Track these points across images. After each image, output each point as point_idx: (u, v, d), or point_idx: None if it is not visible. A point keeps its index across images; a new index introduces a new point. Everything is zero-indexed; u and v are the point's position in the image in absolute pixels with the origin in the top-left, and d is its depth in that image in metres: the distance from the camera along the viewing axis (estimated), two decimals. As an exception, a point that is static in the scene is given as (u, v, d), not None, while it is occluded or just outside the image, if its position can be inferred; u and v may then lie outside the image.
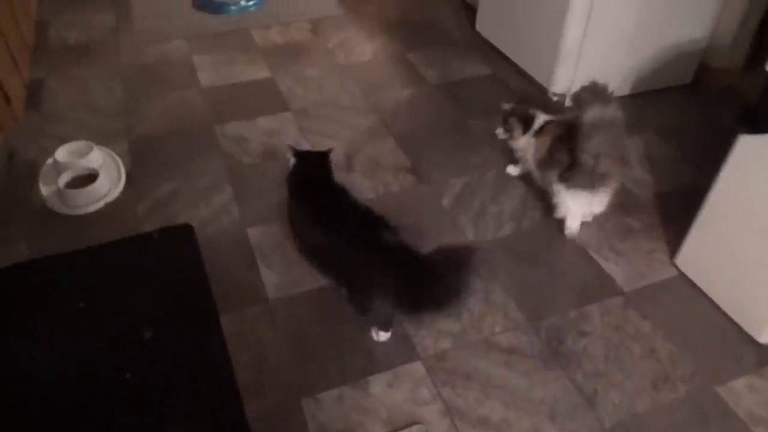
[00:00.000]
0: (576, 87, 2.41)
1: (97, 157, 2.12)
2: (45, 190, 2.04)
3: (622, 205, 2.02)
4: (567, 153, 1.78)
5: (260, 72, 2.78)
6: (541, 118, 1.95)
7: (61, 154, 2.12)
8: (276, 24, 3.20)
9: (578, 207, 1.86)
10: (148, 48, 2.95)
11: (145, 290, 1.74)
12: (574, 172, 1.76)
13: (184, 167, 2.20)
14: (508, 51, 2.79)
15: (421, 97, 2.63)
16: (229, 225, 1.96)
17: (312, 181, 1.73)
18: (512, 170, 2.18)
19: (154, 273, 1.81)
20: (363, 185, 2.12)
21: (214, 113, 2.49)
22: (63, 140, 2.21)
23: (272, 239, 1.90)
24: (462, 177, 2.16)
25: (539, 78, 2.58)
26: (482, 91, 2.66)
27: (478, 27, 3.00)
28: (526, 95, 2.28)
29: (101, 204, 2.02)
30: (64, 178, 2.06)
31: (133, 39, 3.03)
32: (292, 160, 1.79)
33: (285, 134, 2.37)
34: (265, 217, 1.98)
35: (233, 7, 3.31)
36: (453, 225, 1.96)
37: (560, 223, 1.93)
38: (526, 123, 1.96)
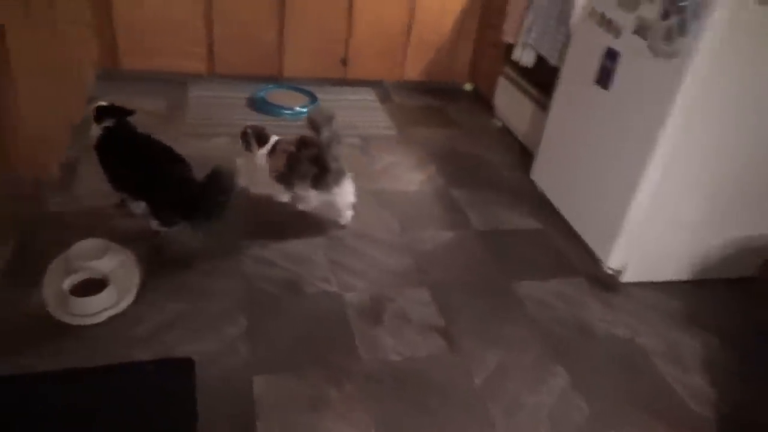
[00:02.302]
0: (632, 264, 2.25)
1: (110, 262, 1.97)
2: (48, 290, 1.88)
3: (679, 421, 1.77)
4: (309, 164, 2.30)
5: (301, 186, 2.68)
6: (273, 139, 2.43)
7: (75, 252, 1.98)
8: (326, 135, 3.14)
9: (342, 200, 2.39)
10: (193, 141, 2.89)
11: (127, 429, 1.52)
12: (326, 177, 2.30)
13: (201, 284, 2.04)
14: (562, 208, 2.65)
15: (463, 243, 2.47)
16: (235, 367, 1.76)
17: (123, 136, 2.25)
18: (284, 197, 2.50)
19: (141, 412, 1.59)
20: (386, 343, 1.91)
21: (245, 226, 2.37)
22: (83, 233, 2.09)
23: (278, 394, 1.69)
24: (497, 351, 1.94)
25: (593, 246, 2.40)
26: (529, 248, 2.49)
27: (532, 175, 2.88)
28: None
29: (104, 316, 1.85)
30: (71, 281, 1.91)
31: (179, 129, 2.99)
32: (97, 129, 2.23)
33: (312, 264, 2.21)
34: (274, 365, 1.78)
35: (287, 112, 3.29)
36: (482, 413, 1.72)
37: None
38: (261, 139, 2.43)
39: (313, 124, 2.29)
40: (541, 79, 2.96)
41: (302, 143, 2.35)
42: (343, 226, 2.45)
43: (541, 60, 2.95)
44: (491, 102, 3.56)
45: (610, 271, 2.33)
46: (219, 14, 3.31)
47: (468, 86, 3.94)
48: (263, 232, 2.35)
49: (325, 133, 2.26)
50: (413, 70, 3.80)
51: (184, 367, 1.74)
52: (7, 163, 2.00)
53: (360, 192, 2.69)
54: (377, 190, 2.73)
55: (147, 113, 3.08)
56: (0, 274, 1.91)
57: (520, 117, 3.23)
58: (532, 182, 2.88)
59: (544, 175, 2.81)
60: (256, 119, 3.19)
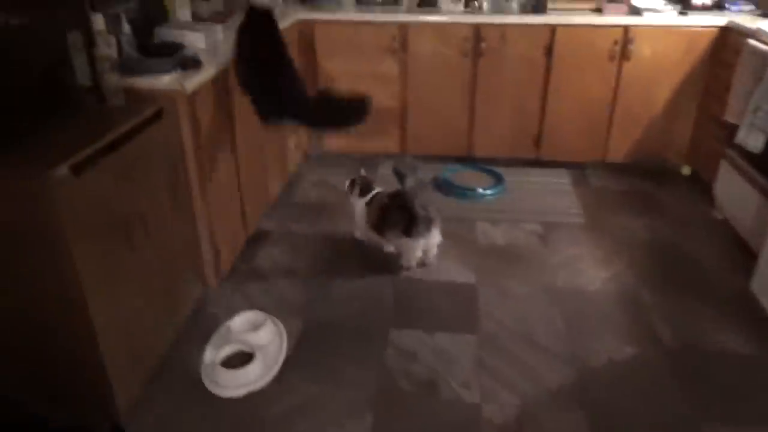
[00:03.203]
0: None
1: (262, 337, 2.07)
2: (206, 357, 2.04)
3: None
4: (400, 214, 2.46)
5: (466, 274, 2.54)
6: (374, 191, 2.63)
7: (235, 323, 2.13)
8: (505, 220, 2.97)
9: (420, 250, 2.51)
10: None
11: None
12: (416, 225, 2.42)
13: (339, 369, 2.02)
14: (789, 333, 2.06)
15: (645, 363, 2.05)
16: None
17: None
18: (358, 234, 2.75)
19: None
20: (520, 475, 1.64)
21: (397, 312, 2.31)
22: (253, 304, 2.26)
23: None
24: None
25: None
26: (736, 380, 1.96)
27: (753, 284, 2.31)
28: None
29: (244, 391, 1.93)
30: (225, 351, 2.05)
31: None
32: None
33: (456, 364, 2.04)
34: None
35: (469, 193, 3.21)
36: None
37: None
38: (364, 189, 2.64)
39: (398, 174, 2.55)
40: (773, 167, 2.40)
41: (395, 195, 2.55)
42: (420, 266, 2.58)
43: (773, 143, 2.41)
44: (712, 189, 3.01)
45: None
46: (413, 98, 3.43)
47: (685, 169, 3.41)
48: (414, 320, 2.26)
49: (409, 182, 2.52)
50: (617, 149, 3.43)
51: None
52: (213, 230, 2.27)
53: (530, 286, 2.46)
54: (550, 286, 2.45)
55: (338, 191, 3.28)
56: (177, 336, 2.13)
57: (744, 210, 2.65)
58: (751, 293, 2.30)
59: (769, 286, 2.23)
60: (440, 200, 3.17)
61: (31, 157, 1.56)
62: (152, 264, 1.94)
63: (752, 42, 2.65)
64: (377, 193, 2.63)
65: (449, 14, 3.25)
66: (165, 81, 2.02)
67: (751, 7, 3.20)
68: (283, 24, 3.03)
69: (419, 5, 3.38)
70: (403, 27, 3.26)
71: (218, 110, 2.29)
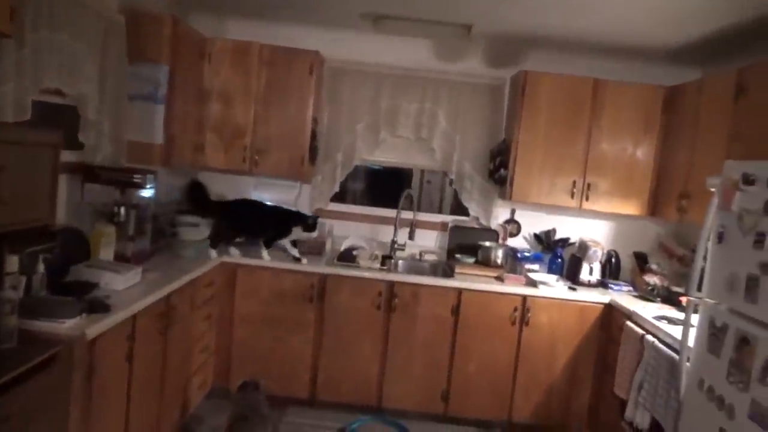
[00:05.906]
0: None
1: None
2: None
3: None
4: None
5: None
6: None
7: None
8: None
9: None
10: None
11: None
12: None
13: None
14: None
15: None
16: None
17: None
18: None
19: None
20: None
21: None
22: None
23: None
24: None
25: None
26: None
27: None
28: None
29: None
30: None
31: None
32: None
33: None
34: None
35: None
36: None
37: None
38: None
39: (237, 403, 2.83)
40: (661, 447, 2.50)
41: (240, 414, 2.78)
42: None
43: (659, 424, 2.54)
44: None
45: None
46: (327, 345, 3.48)
47: (586, 434, 3.48)
48: None
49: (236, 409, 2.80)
50: (522, 409, 3.48)
51: None
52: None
53: None
54: None
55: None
56: None
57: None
58: None
59: None
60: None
61: None
62: None
63: (630, 324, 2.96)
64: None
65: (366, 270, 3.49)
66: (66, 326, 1.98)
67: (629, 288, 3.63)
68: (206, 266, 3.15)
69: (339, 259, 3.63)
70: (322, 278, 3.45)
71: (118, 357, 2.23)
